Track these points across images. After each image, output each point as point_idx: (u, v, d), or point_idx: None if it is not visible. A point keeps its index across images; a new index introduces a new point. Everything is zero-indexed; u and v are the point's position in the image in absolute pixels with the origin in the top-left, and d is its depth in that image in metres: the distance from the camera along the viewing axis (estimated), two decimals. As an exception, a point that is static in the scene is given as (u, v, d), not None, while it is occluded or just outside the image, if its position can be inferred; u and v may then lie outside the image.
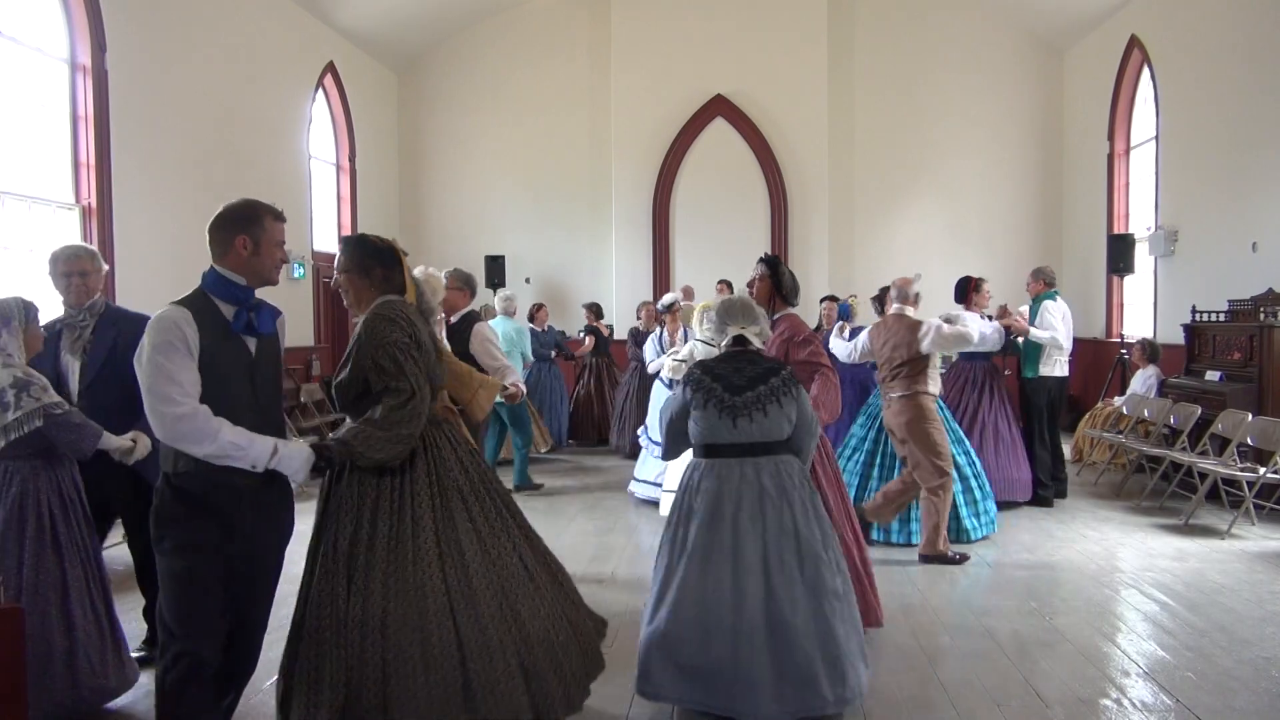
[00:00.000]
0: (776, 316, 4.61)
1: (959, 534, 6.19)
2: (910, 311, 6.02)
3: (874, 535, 6.19)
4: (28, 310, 3.63)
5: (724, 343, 3.73)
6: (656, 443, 6.90)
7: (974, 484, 6.36)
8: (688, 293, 10.91)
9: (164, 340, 2.64)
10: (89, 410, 3.72)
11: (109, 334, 3.98)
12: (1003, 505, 6.93)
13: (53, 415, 3.48)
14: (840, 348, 6.79)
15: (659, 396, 7.67)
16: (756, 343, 3.73)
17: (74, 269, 4.00)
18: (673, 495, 6.28)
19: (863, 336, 6.56)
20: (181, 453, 2.70)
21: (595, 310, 11.16)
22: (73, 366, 3.95)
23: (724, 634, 3.33)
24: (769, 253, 4.80)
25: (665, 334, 8.54)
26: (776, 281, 4.64)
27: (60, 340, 3.97)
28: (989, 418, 7.24)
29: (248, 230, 2.82)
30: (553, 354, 10.38)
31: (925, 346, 5.77)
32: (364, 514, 2.86)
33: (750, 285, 4.79)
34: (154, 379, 2.61)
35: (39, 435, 3.49)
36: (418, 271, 5.06)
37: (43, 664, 3.38)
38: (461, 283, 6.00)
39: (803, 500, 3.53)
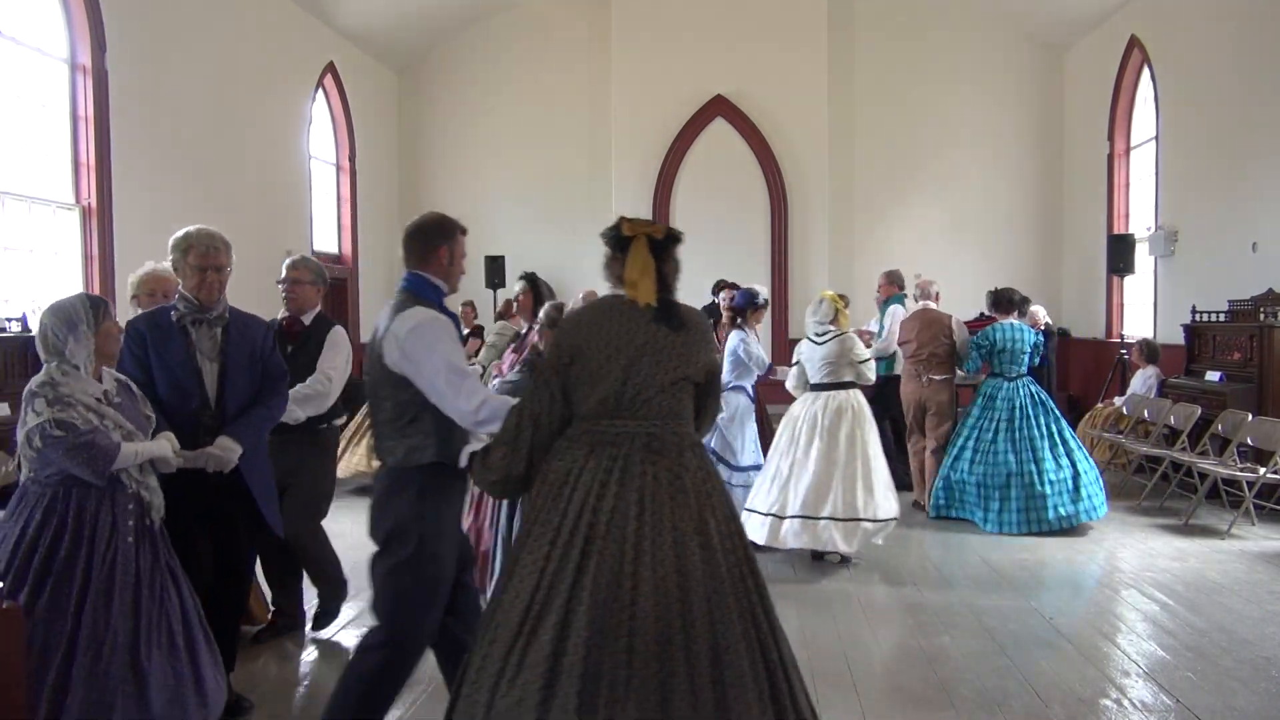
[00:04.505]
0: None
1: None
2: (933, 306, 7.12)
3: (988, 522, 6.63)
4: (96, 310, 3.08)
5: None
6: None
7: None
8: (587, 297, 10.67)
9: (451, 337, 2.90)
10: (224, 418, 3.40)
11: (245, 336, 3.54)
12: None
13: (50, 435, 2.90)
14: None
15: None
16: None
17: (210, 263, 3.43)
18: None
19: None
20: (436, 444, 2.85)
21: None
22: (210, 370, 3.45)
23: None
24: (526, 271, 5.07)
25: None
26: (536, 295, 4.89)
27: (186, 338, 3.44)
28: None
29: (447, 242, 3.02)
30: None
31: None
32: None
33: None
34: (451, 374, 2.81)
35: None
36: (146, 267, 4.28)
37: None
38: (313, 274, 4.53)
39: None
